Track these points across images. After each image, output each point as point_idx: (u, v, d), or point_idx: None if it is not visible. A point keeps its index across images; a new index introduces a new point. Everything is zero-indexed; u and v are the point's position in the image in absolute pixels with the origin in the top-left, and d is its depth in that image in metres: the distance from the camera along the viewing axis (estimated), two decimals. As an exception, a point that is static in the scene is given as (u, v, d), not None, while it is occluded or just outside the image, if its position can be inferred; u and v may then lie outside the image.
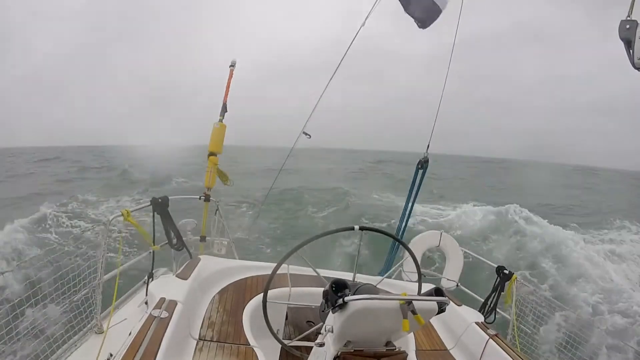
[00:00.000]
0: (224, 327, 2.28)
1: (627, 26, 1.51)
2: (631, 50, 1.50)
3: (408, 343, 2.46)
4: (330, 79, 4.45)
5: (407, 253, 2.32)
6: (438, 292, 1.63)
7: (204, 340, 2.14)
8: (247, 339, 2.19)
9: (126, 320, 2.72)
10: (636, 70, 1.51)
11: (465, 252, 4.84)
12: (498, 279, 3.82)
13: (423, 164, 4.45)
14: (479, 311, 3.60)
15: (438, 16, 3.87)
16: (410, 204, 4.71)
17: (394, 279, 4.20)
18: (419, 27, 3.92)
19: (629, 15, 1.52)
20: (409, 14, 3.85)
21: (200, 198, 4.23)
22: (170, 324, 1.94)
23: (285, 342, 1.94)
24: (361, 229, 1.87)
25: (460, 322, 2.70)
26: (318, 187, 17.28)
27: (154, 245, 3.29)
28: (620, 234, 13.43)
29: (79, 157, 38.06)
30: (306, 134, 4.15)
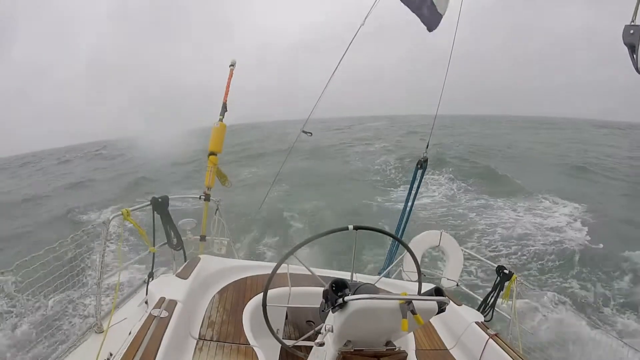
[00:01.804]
0: (224, 327, 2.28)
1: (631, 31, 1.53)
2: (635, 55, 1.52)
3: (408, 343, 2.46)
4: (328, 81, 4.43)
5: (406, 252, 2.32)
6: (438, 291, 1.63)
7: (204, 339, 2.14)
8: (247, 339, 2.19)
9: (126, 319, 2.72)
10: None
11: (465, 251, 4.84)
12: (498, 279, 3.82)
13: (422, 164, 4.44)
14: (478, 309, 3.61)
15: (439, 21, 3.92)
16: (410, 203, 4.71)
17: (393, 278, 4.20)
18: (428, 30, 3.99)
19: (633, 20, 1.55)
20: (417, 15, 3.89)
21: (200, 197, 4.24)
22: (170, 323, 1.94)
23: (286, 341, 1.94)
24: (356, 228, 1.86)
25: (460, 322, 2.70)
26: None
27: (153, 247, 3.29)
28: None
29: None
30: (306, 132, 4.13)
